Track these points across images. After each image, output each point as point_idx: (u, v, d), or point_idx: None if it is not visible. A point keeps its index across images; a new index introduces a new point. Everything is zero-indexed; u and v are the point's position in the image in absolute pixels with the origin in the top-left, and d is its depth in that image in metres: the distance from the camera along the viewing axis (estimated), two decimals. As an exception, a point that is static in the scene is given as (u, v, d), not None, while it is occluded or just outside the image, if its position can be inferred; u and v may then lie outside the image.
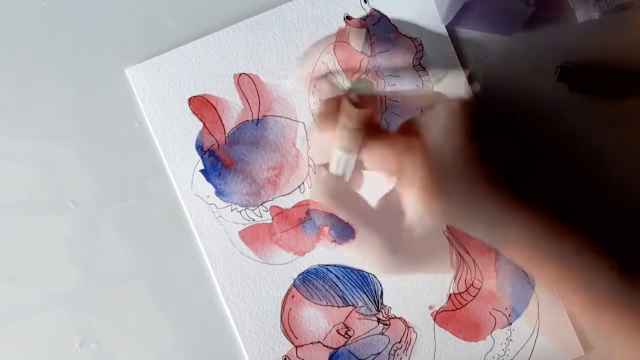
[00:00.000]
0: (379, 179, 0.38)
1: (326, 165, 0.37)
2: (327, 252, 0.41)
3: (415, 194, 0.34)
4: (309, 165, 0.41)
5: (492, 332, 0.41)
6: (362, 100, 0.35)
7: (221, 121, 0.41)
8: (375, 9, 0.41)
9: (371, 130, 0.35)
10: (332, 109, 0.36)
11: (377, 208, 0.36)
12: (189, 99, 0.41)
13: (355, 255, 0.37)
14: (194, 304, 0.41)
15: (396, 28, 0.41)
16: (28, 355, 0.41)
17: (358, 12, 0.41)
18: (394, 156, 0.35)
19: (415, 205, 0.34)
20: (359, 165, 0.36)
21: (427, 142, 0.34)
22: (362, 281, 0.41)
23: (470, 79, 0.41)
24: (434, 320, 0.41)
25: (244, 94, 0.41)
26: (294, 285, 0.41)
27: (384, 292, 0.41)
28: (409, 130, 0.35)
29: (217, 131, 0.41)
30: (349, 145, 0.35)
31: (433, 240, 0.36)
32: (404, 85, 0.41)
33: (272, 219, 0.41)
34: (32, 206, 0.41)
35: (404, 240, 0.35)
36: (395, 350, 0.41)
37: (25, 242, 0.41)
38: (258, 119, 0.41)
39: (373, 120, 0.36)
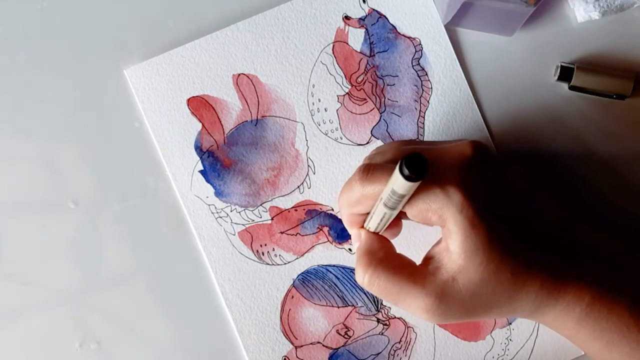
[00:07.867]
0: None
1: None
2: (327, 253, 0.41)
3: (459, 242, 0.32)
4: (307, 165, 0.41)
5: (491, 332, 0.41)
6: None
7: (220, 122, 0.41)
8: (374, 9, 0.41)
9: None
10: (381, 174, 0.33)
11: (421, 262, 0.34)
12: (188, 100, 0.41)
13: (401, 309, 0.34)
14: (194, 304, 0.41)
15: (395, 28, 0.41)
16: (28, 355, 0.41)
17: (357, 12, 0.41)
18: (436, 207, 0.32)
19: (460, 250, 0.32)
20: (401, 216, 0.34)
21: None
22: (361, 281, 0.41)
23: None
24: (434, 320, 0.41)
25: (242, 95, 0.41)
26: (293, 285, 0.41)
27: (383, 293, 0.41)
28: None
29: (216, 132, 0.41)
30: (396, 205, 0.31)
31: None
32: (403, 86, 0.41)
33: (272, 219, 0.41)
34: (32, 206, 0.41)
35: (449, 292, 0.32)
36: (395, 351, 0.41)
37: (25, 242, 0.41)
38: (257, 119, 0.41)
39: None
